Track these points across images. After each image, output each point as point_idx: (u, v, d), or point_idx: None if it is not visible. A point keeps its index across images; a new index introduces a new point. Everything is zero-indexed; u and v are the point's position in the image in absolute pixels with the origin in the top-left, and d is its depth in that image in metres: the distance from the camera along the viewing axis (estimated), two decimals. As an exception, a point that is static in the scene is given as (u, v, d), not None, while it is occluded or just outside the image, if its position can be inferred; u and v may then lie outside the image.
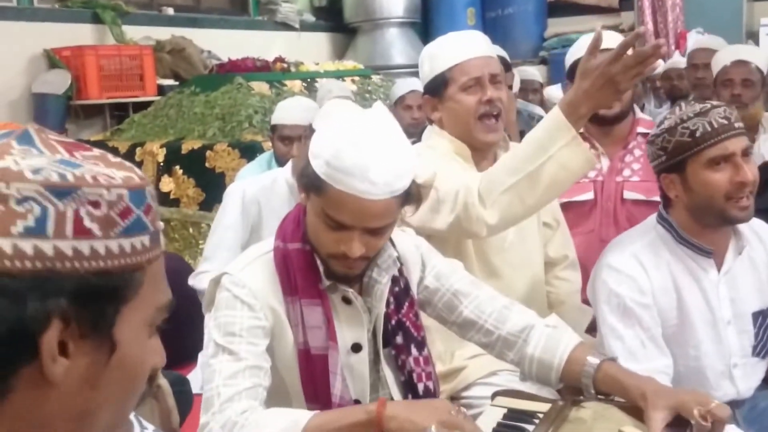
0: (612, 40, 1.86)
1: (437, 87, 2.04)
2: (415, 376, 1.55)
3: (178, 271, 3.43)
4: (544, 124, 1.74)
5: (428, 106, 2.11)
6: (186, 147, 4.55)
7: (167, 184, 4.54)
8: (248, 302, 1.46)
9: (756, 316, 1.87)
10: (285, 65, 5.43)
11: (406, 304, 1.58)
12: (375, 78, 5.98)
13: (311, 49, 7.45)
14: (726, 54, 3.52)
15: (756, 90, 3.36)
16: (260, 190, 2.86)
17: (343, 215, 1.40)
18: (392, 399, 1.52)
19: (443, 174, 1.86)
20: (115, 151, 4.61)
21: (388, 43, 7.76)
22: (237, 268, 1.51)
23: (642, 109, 4.07)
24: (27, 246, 0.63)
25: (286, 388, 1.51)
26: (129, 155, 4.60)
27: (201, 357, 3.12)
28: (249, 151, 4.24)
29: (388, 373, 1.57)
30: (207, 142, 4.54)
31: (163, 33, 6.03)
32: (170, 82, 5.80)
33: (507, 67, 3.47)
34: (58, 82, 5.18)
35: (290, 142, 3.25)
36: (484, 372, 1.90)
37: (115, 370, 0.69)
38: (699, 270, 1.83)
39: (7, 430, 0.66)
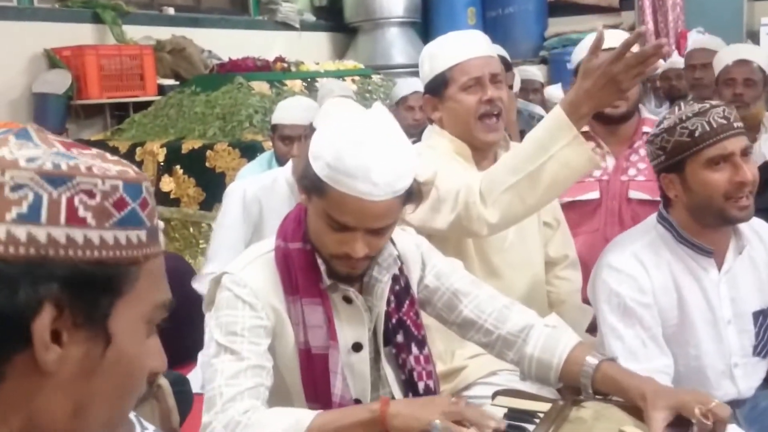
0: (616, 38, 1.86)
1: (437, 87, 2.04)
2: (415, 374, 1.55)
3: (179, 271, 3.45)
4: (545, 124, 1.74)
5: (428, 105, 2.10)
6: (186, 147, 4.55)
7: (168, 183, 4.54)
8: (249, 302, 1.46)
9: (756, 315, 1.87)
10: (285, 65, 5.42)
11: (407, 302, 1.58)
12: (375, 78, 5.98)
13: (312, 48, 7.44)
14: (728, 53, 3.52)
15: (758, 89, 3.36)
16: (261, 190, 2.86)
17: (345, 216, 1.40)
18: (393, 398, 1.52)
19: (444, 173, 1.86)
20: (115, 150, 4.62)
21: (389, 42, 7.75)
22: (238, 267, 1.50)
23: (641, 109, 4.06)
24: (20, 232, 0.63)
25: (287, 388, 1.51)
26: (129, 155, 4.60)
27: (201, 356, 3.12)
28: (249, 151, 4.24)
29: (388, 371, 1.57)
30: (207, 141, 4.53)
31: (164, 33, 6.02)
32: (171, 81, 5.80)
33: (507, 66, 3.47)
34: (58, 81, 5.17)
35: (291, 141, 3.25)
36: (485, 371, 1.90)
37: (111, 364, 0.69)
38: (699, 269, 1.83)
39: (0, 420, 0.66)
